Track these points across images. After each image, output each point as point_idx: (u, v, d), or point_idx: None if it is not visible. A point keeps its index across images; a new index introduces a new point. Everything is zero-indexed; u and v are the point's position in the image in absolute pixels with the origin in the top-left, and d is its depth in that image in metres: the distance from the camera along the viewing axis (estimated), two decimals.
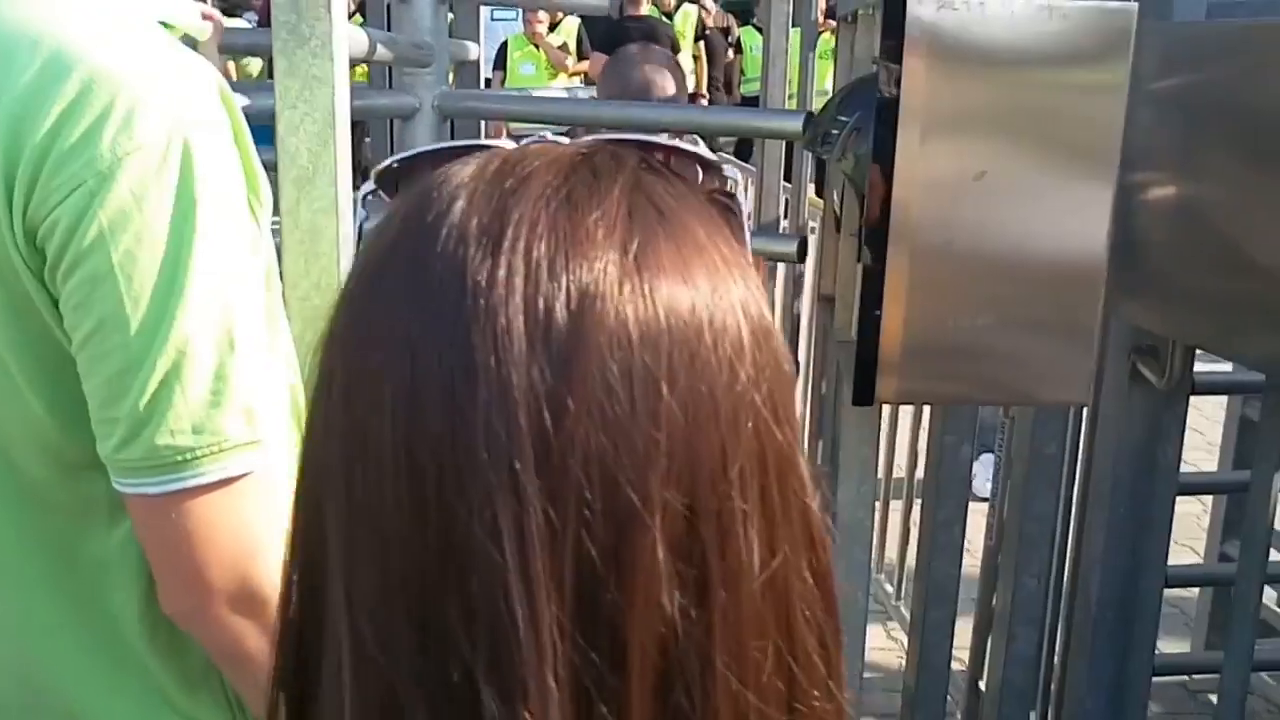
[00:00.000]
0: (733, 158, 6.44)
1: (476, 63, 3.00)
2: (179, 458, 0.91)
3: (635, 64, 3.22)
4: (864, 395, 1.58)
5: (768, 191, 2.85)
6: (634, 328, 0.43)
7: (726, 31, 10.23)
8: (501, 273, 0.43)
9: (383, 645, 0.44)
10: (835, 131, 1.65)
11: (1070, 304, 1.57)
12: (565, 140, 0.50)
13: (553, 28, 9.47)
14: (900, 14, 1.46)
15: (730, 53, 10.52)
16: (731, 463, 0.44)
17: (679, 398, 0.43)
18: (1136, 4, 1.51)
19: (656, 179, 0.48)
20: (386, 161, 0.54)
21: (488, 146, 0.50)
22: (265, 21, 10.47)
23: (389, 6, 2.91)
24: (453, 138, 2.33)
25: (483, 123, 2.98)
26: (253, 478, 0.95)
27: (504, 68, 8.71)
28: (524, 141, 0.50)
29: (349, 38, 1.46)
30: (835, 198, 2.03)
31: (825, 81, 7.33)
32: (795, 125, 2.14)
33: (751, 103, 10.21)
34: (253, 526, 0.96)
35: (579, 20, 9.76)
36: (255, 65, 8.08)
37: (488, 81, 7.78)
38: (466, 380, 0.42)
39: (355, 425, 0.45)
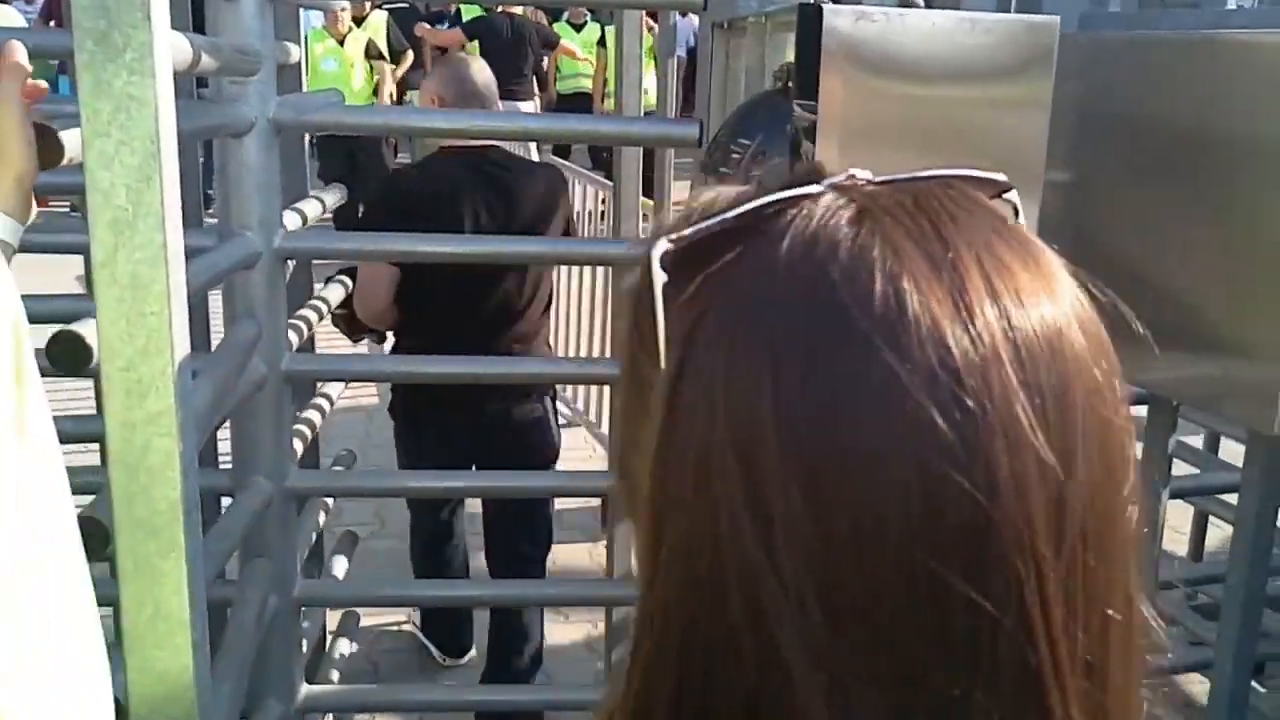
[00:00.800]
0: (590, 173, 6.24)
1: (298, 67, 2.71)
2: None
3: (467, 64, 3.03)
4: None
5: (627, 208, 2.68)
6: (1081, 351, 0.47)
7: (538, 27, 9.99)
8: (978, 324, 0.44)
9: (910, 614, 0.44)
10: (736, 154, 1.49)
11: None
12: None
13: (359, 22, 9.04)
14: (816, 25, 1.31)
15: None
16: (1091, 439, 0.47)
17: (1116, 406, 0.48)
18: (1059, 18, 1.41)
19: (970, 199, 0.50)
20: (690, 231, 0.49)
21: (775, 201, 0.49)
22: (53, 17, 9.52)
23: (192, 4, 2.61)
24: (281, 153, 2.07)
25: (307, 136, 2.71)
26: None
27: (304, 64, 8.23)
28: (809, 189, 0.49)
29: (172, 46, 1.21)
30: None
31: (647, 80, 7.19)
32: (690, 133, 1.98)
33: (570, 101, 10.02)
34: None
35: (387, 14, 9.37)
36: None
37: None
38: (984, 432, 0.43)
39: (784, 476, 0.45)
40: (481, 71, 2.93)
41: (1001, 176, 0.54)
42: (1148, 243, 1.76)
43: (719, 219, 0.48)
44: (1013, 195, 0.54)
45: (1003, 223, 0.50)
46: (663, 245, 0.49)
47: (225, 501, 2.15)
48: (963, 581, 0.44)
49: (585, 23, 10.42)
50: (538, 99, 9.78)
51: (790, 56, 1.53)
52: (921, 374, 0.44)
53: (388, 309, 2.82)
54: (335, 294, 2.63)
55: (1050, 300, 0.47)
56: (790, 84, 1.50)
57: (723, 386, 0.46)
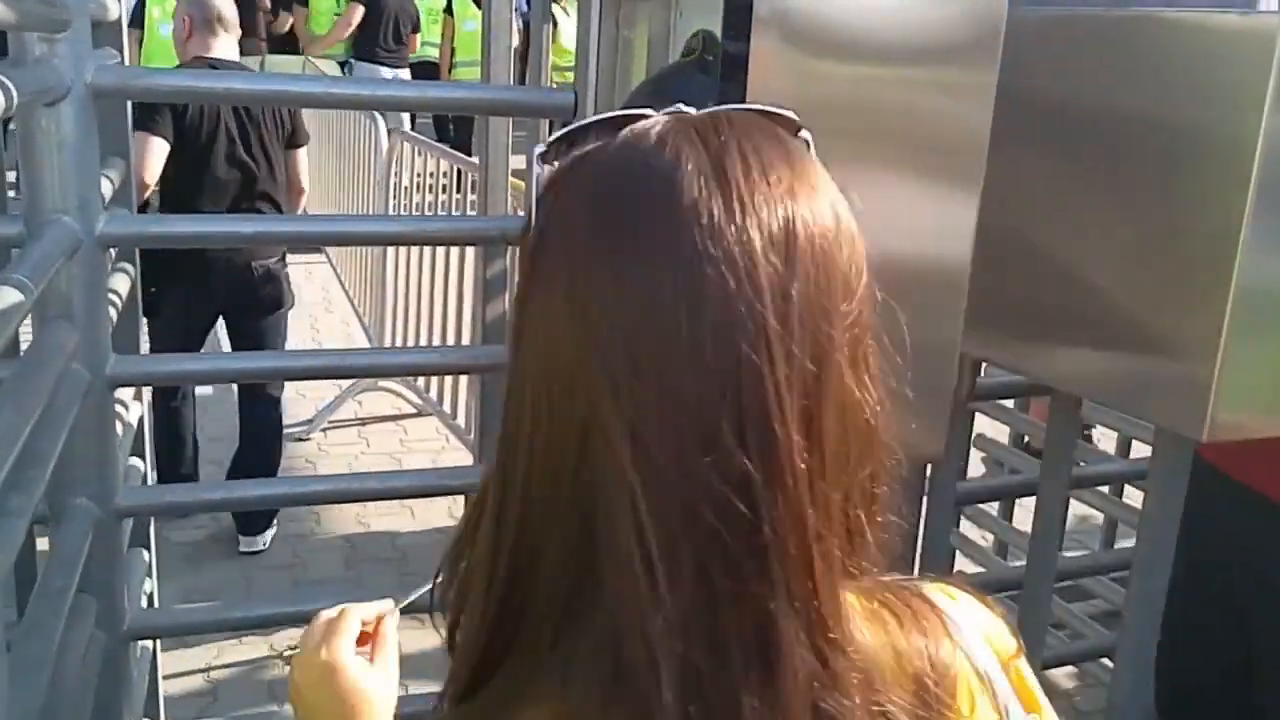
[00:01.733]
0: (456, 151, 5.90)
1: (118, 24, 2.39)
2: None
3: None
4: None
5: (494, 183, 2.46)
6: (821, 232, 0.63)
7: None
8: (735, 204, 0.61)
9: (677, 467, 0.60)
10: None
11: (930, 344, 1.32)
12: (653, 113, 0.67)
13: None
14: None
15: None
16: (837, 315, 0.64)
17: (852, 278, 0.65)
18: None
19: (766, 125, 0.67)
20: (561, 131, 0.68)
21: (641, 116, 0.67)
22: None
23: None
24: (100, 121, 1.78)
25: (129, 104, 2.40)
26: None
27: (141, 26, 7.36)
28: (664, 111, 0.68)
29: None
30: None
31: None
32: (566, 101, 1.79)
33: (424, 68, 9.53)
34: None
35: None
36: None
37: None
38: (730, 272, 0.60)
39: (638, 312, 0.60)
40: (222, 2, 3.84)
41: (793, 115, 0.70)
42: (1061, 231, 1.66)
43: (579, 124, 0.67)
44: (805, 134, 0.70)
45: (777, 136, 0.66)
46: (540, 147, 0.67)
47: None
48: (730, 424, 0.59)
49: None
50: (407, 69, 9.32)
51: (706, 24, 1.35)
52: (697, 238, 0.59)
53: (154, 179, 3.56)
54: (122, 284, 2.28)
55: (806, 198, 0.63)
56: (706, 55, 1.33)
57: (566, 248, 0.63)
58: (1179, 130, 1.47)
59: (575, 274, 0.62)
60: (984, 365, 2.35)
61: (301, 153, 4.11)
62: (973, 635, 0.72)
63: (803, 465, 0.61)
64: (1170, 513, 1.85)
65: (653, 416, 0.60)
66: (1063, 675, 3.33)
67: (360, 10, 8.97)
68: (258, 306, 3.87)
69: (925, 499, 2.08)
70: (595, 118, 0.67)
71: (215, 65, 3.83)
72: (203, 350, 3.87)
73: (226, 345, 4.14)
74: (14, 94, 1.23)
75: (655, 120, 0.66)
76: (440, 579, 0.72)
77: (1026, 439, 3.65)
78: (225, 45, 3.92)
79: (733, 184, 0.61)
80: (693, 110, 0.67)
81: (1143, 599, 1.86)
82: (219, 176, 3.77)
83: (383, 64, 8.96)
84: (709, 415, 0.59)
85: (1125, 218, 1.57)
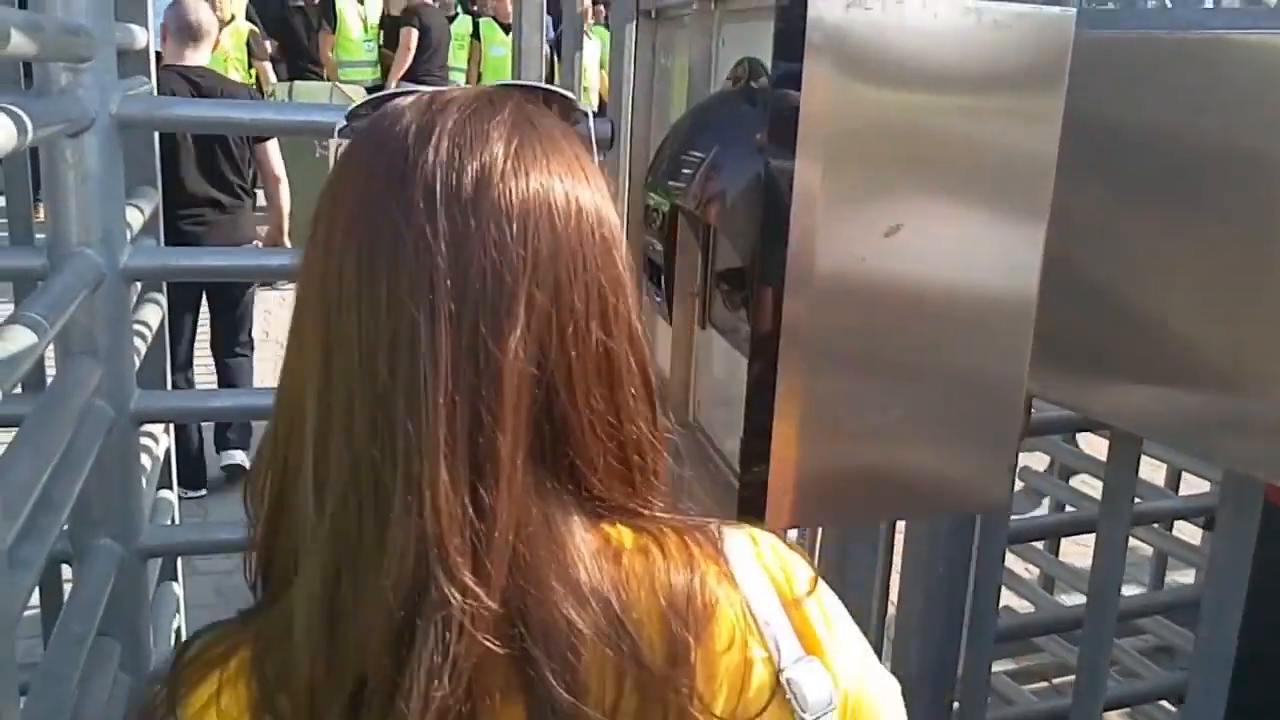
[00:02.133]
0: None
1: (146, 53, 2.35)
2: None
3: (192, 4, 4.28)
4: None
5: None
6: (514, 190, 0.71)
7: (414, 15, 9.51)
8: (430, 155, 0.70)
9: (343, 397, 0.70)
10: (687, 170, 1.23)
11: (995, 385, 1.24)
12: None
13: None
14: (800, 13, 1.07)
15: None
16: (576, 279, 0.72)
17: (540, 233, 0.71)
18: (1075, 10, 1.19)
19: (535, 106, 0.77)
20: (359, 101, 0.82)
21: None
22: None
23: None
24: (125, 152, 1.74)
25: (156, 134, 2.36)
26: None
27: None
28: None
29: None
30: (655, 245, 1.62)
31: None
32: (604, 131, 1.71)
33: None
34: None
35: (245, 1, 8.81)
36: None
37: None
38: (407, 219, 0.69)
39: (331, 253, 0.71)
40: (198, 10, 4.12)
41: (572, 96, 0.81)
42: (1122, 263, 1.57)
43: (372, 97, 0.80)
44: (585, 125, 0.81)
45: (539, 115, 0.76)
46: (342, 121, 0.80)
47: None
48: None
49: (456, 14, 9.98)
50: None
51: (750, 51, 1.28)
52: (431, 194, 0.69)
53: None
54: (152, 316, 2.22)
55: (561, 175, 0.73)
56: (751, 83, 1.26)
57: (336, 200, 0.73)
58: (1250, 156, 1.39)
59: (319, 225, 0.73)
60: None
61: (269, 144, 4.54)
62: (753, 575, 0.76)
63: (444, 406, 0.68)
64: (1240, 556, 1.76)
65: (338, 354, 0.70)
66: (1116, 715, 3.21)
67: (416, 34, 8.96)
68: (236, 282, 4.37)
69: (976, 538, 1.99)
70: (377, 95, 0.80)
71: (186, 75, 4.08)
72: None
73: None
74: (29, 127, 1.18)
75: (410, 96, 0.76)
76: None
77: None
78: (200, 54, 4.21)
79: (430, 151, 0.71)
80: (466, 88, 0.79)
81: (1212, 645, 1.77)
82: (184, 176, 4.23)
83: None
84: (376, 355, 0.69)
85: (1193, 250, 1.48)
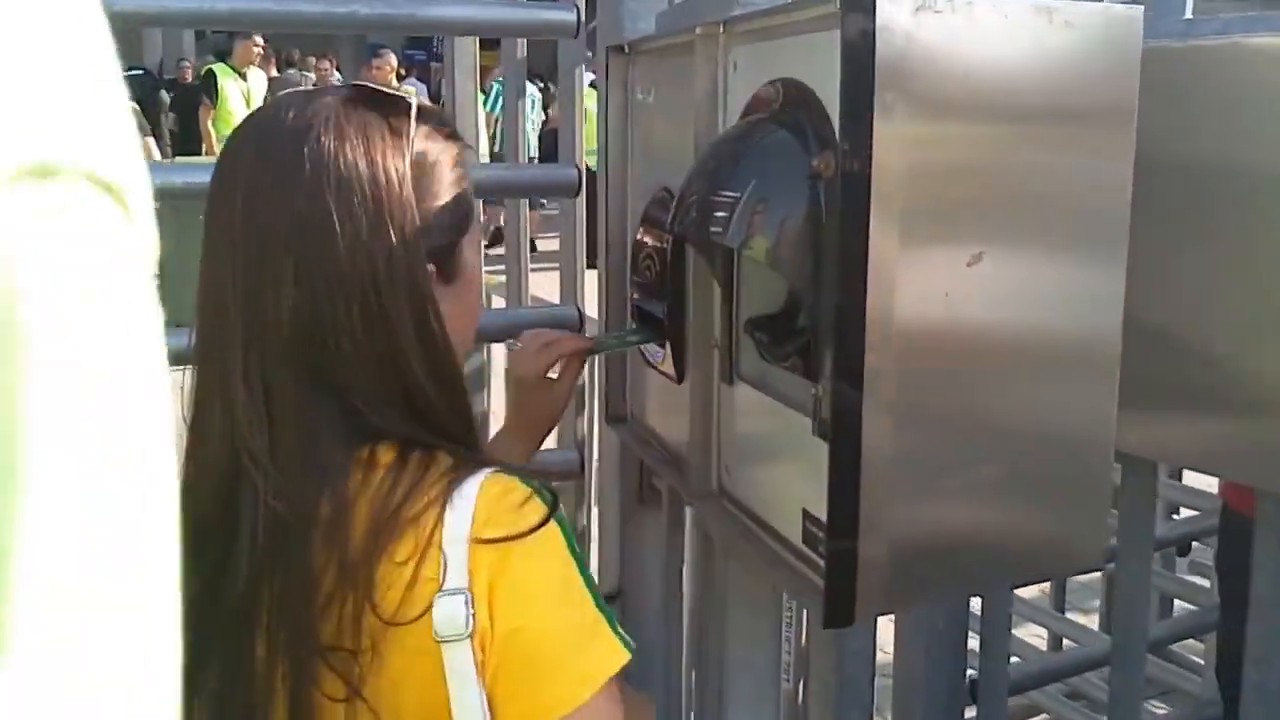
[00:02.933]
0: None
1: None
2: None
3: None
4: (841, 617, 1.01)
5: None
6: (300, 157, 0.89)
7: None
8: (261, 127, 0.95)
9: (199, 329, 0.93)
10: (721, 213, 1.08)
11: (1082, 434, 1.10)
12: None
13: None
14: (868, 24, 0.93)
15: None
16: (342, 238, 0.89)
17: (304, 193, 0.89)
18: (1142, 8, 1.08)
19: (356, 100, 0.94)
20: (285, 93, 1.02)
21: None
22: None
23: None
24: None
25: None
26: None
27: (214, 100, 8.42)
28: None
29: None
30: (648, 297, 1.46)
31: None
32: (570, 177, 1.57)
33: None
34: None
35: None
36: None
37: None
38: (221, 181, 0.94)
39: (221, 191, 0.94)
40: None
41: (400, 95, 0.98)
42: (1154, 288, 1.45)
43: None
44: (409, 117, 0.96)
45: (354, 111, 0.93)
46: None
47: None
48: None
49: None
50: None
51: (770, 74, 1.14)
52: (238, 167, 0.93)
53: None
54: None
55: (349, 148, 0.91)
56: (783, 105, 1.11)
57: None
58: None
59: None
60: None
61: None
62: (462, 509, 0.87)
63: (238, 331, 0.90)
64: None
65: (202, 291, 0.94)
66: None
67: None
68: None
69: None
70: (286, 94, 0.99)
71: None
72: None
73: None
74: None
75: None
76: None
77: None
78: None
79: (269, 134, 0.93)
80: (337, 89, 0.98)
81: (1261, 690, 1.66)
82: None
83: None
84: (207, 292, 0.93)
85: (1235, 278, 1.37)
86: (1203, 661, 2.78)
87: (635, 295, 1.52)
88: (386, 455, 0.90)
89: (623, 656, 0.88)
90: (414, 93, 1.10)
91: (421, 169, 0.95)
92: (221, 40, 19.94)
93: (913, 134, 0.96)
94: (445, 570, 0.84)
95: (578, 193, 1.83)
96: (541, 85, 10.27)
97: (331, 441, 0.90)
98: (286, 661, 0.86)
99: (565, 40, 1.92)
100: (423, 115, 0.97)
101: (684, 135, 1.40)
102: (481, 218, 1.12)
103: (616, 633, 0.90)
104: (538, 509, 0.89)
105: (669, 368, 1.44)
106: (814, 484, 1.12)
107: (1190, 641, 2.71)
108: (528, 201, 2.39)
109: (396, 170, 0.91)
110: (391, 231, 0.90)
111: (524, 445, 1.38)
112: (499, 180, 1.84)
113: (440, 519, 0.86)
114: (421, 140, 0.96)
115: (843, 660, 1.74)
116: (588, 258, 2.16)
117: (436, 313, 0.93)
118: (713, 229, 1.09)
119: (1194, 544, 2.86)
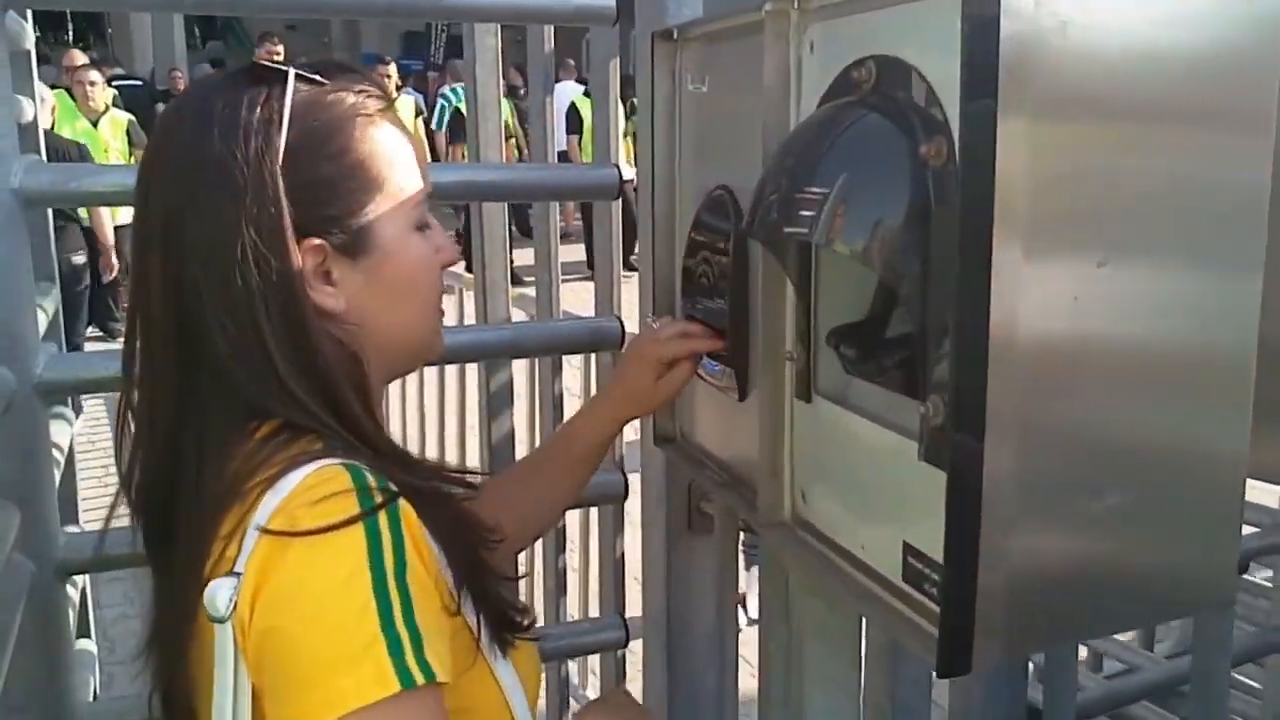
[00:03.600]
0: None
1: (34, 126, 2.00)
2: None
3: None
4: (958, 664, 0.89)
5: (493, 284, 2.10)
6: (191, 146, 0.94)
7: None
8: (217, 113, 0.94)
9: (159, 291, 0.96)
10: (807, 211, 0.96)
11: (1215, 457, 0.98)
12: None
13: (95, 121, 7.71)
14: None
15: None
16: (204, 220, 0.93)
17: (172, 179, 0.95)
18: None
19: (236, 79, 0.97)
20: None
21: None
22: None
23: None
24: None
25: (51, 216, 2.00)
26: None
27: None
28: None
29: None
30: (705, 304, 1.34)
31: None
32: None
33: None
34: None
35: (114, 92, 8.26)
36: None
37: None
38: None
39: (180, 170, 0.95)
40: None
41: (278, 67, 0.97)
42: None
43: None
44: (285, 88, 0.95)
45: (228, 91, 0.95)
46: None
47: None
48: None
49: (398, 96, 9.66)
50: None
51: (855, 52, 1.02)
52: (241, 154, 0.92)
53: None
54: (62, 437, 1.82)
55: (219, 137, 0.92)
56: (877, 86, 0.99)
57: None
58: None
59: None
60: None
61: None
62: (275, 498, 0.87)
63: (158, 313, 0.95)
64: None
65: None
66: None
67: None
68: None
69: None
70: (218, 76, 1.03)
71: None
72: None
73: None
74: None
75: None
76: None
77: None
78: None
79: (160, 124, 0.99)
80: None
81: None
82: None
83: None
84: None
85: None
86: (1259, 685, 2.66)
87: (688, 305, 1.40)
88: (265, 430, 0.93)
89: (386, 688, 0.80)
90: (399, 92, 1.03)
91: (303, 139, 0.94)
92: (217, 49, 19.93)
93: (1041, 123, 0.84)
94: (240, 553, 0.86)
95: (617, 195, 1.71)
96: (511, 85, 10.12)
97: (202, 415, 0.94)
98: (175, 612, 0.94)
99: (597, 29, 1.80)
100: (333, 79, 0.98)
101: (741, 128, 1.28)
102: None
103: (397, 661, 0.81)
104: (342, 508, 0.85)
105: (729, 383, 1.32)
106: (914, 512, 1.00)
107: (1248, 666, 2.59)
108: (557, 206, 2.26)
109: (256, 145, 0.92)
110: (250, 206, 0.91)
111: (612, 419, 1.37)
112: (531, 182, 1.72)
113: (258, 501, 0.87)
114: (306, 110, 0.95)
115: (897, 687, 1.61)
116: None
117: (302, 291, 0.93)
118: (797, 228, 0.97)
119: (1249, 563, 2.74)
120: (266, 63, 0.97)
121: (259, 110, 0.93)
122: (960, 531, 0.87)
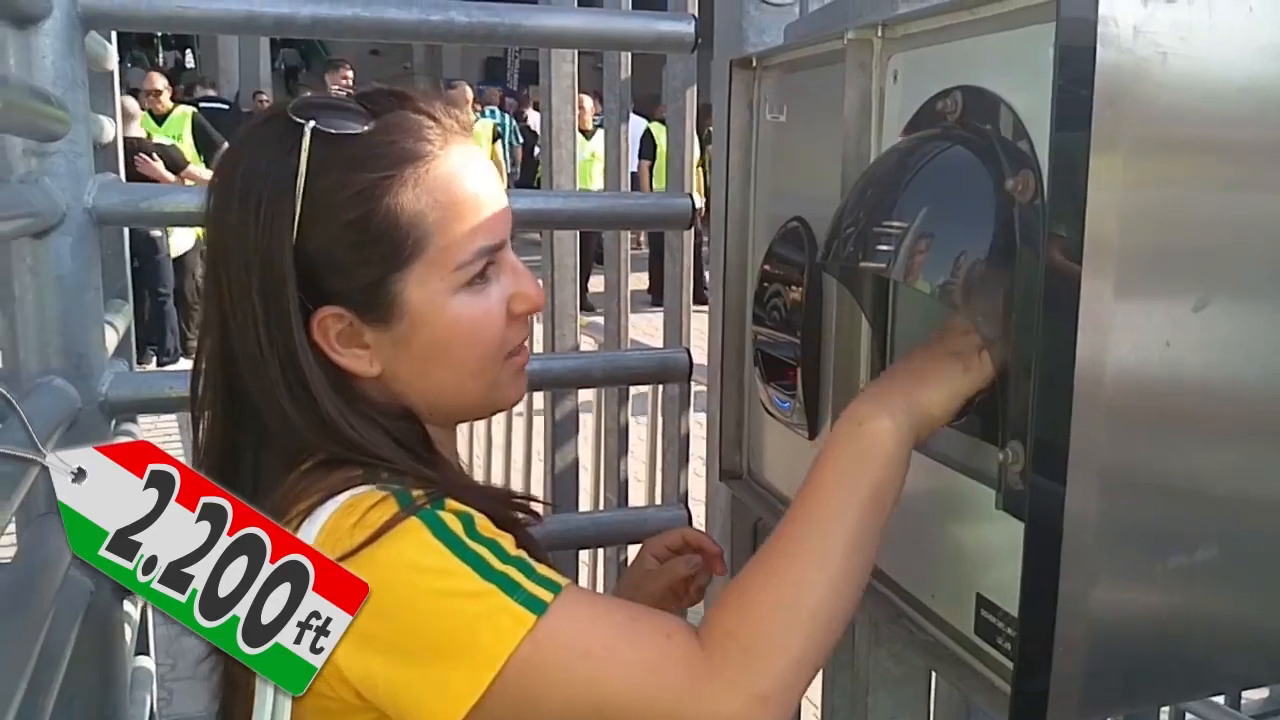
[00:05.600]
0: None
1: (114, 148, 2.02)
2: None
3: None
4: None
5: (562, 310, 2.08)
6: (215, 211, 0.96)
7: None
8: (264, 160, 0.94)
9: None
10: (885, 246, 0.92)
11: None
12: None
13: (161, 120, 8.02)
14: (1090, 18, 0.76)
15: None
16: (234, 260, 0.94)
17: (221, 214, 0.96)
18: None
19: (264, 130, 0.97)
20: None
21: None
22: None
23: None
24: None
25: (126, 230, 2.02)
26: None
27: None
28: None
29: None
30: (778, 338, 1.30)
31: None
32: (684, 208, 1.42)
33: None
34: None
35: (193, 110, 8.46)
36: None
37: None
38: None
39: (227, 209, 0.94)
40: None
41: (297, 122, 0.94)
42: None
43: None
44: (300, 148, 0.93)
45: (256, 143, 0.96)
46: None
47: None
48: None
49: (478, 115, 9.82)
50: None
51: (939, 83, 0.98)
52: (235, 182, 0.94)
53: None
54: None
55: (247, 178, 0.93)
56: (962, 118, 0.95)
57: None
58: None
59: None
60: None
61: None
62: (314, 525, 0.87)
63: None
64: None
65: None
66: None
67: None
68: None
69: None
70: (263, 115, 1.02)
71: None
72: None
73: None
74: None
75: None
76: None
77: None
78: None
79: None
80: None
81: None
82: None
83: None
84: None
85: None
86: None
87: (759, 338, 1.36)
88: (306, 464, 0.94)
89: (524, 624, 0.81)
90: (490, 123, 1.00)
91: (321, 201, 0.91)
92: (291, 57, 20.24)
93: (1136, 157, 0.80)
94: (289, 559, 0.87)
95: (690, 225, 1.68)
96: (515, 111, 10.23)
97: (253, 446, 0.97)
98: None
99: (674, 58, 1.78)
100: (392, 112, 0.95)
101: (819, 159, 1.25)
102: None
103: (519, 595, 0.83)
104: (385, 511, 0.86)
105: (799, 420, 1.27)
106: (987, 563, 0.95)
107: None
108: (628, 235, 2.24)
109: (268, 213, 0.91)
110: (259, 274, 0.91)
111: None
112: (605, 211, 1.69)
113: (296, 532, 0.88)
114: (328, 169, 0.91)
115: None
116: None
117: (306, 362, 0.93)
118: (874, 263, 0.93)
119: None
120: (293, 115, 0.94)
121: (277, 171, 0.91)
122: (1038, 585, 0.82)
